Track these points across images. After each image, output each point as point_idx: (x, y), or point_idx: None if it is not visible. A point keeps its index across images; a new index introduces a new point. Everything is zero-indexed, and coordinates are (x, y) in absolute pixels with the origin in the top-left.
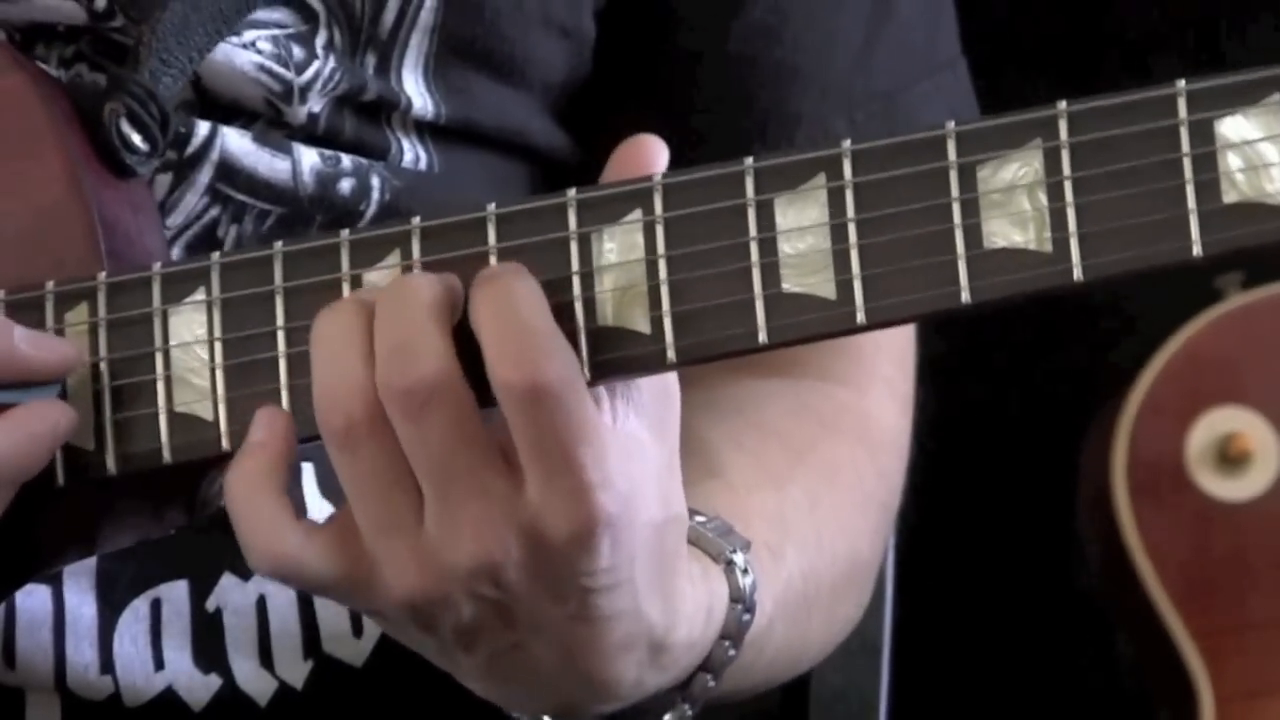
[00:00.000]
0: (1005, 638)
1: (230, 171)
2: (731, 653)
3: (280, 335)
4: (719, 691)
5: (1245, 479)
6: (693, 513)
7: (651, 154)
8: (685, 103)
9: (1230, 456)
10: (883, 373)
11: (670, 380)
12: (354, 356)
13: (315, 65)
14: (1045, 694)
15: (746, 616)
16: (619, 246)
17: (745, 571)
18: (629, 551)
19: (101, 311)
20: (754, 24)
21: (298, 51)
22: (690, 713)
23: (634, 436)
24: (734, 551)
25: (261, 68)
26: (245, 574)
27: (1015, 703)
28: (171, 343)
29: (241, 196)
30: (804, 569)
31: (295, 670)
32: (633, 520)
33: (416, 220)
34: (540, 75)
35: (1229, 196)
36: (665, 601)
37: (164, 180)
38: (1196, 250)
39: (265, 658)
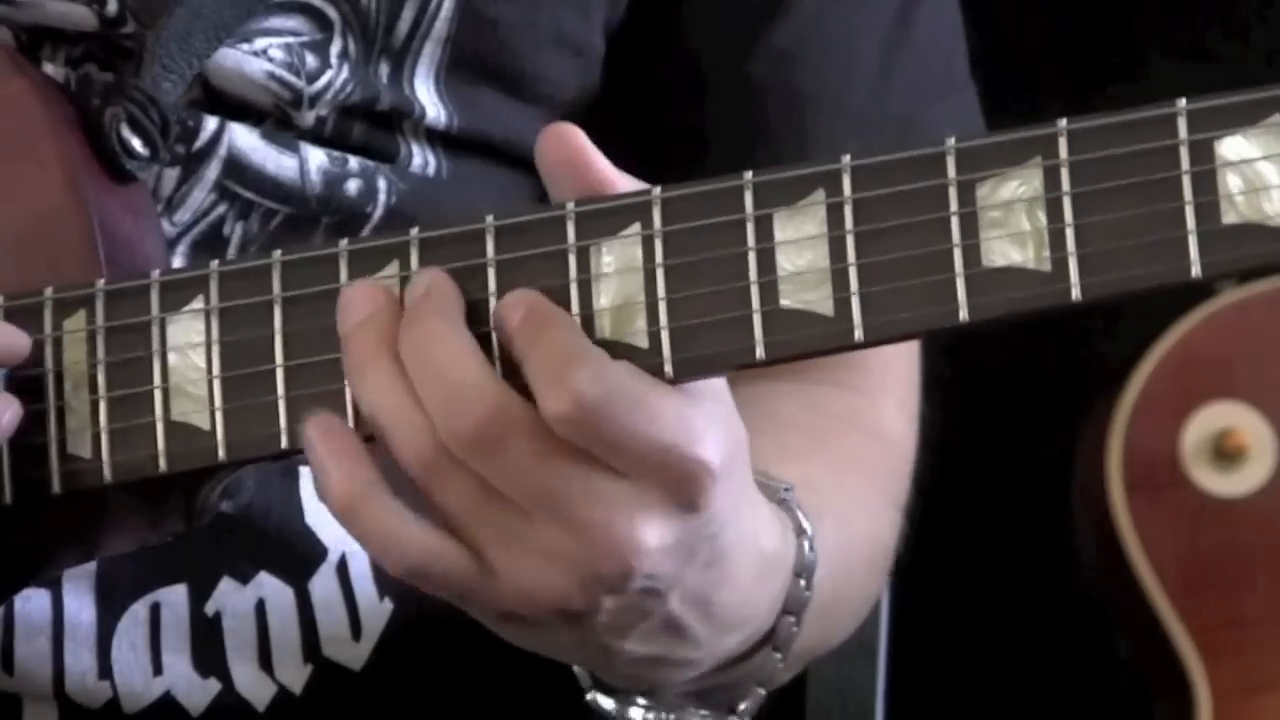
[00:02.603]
0: (1002, 636)
1: (238, 167)
2: (808, 593)
3: (278, 345)
4: (798, 645)
5: (1240, 474)
6: None
7: (577, 144)
8: (701, 124)
9: (1225, 452)
10: (891, 388)
11: None
12: (408, 411)
13: (329, 74)
14: (1042, 692)
15: (811, 554)
16: (617, 260)
17: (801, 509)
18: (736, 483)
19: (100, 319)
20: (775, 50)
21: (311, 60)
22: (781, 662)
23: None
24: (785, 490)
25: (272, 75)
26: (244, 578)
27: (1012, 701)
28: (169, 351)
29: (249, 194)
30: (839, 539)
31: (294, 674)
32: (732, 454)
33: (415, 231)
34: (550, 92)
35: (1229, 218)
36: (754, 510)
37: (171, 175)
38: (1195, 271)
39: (265, 662)
